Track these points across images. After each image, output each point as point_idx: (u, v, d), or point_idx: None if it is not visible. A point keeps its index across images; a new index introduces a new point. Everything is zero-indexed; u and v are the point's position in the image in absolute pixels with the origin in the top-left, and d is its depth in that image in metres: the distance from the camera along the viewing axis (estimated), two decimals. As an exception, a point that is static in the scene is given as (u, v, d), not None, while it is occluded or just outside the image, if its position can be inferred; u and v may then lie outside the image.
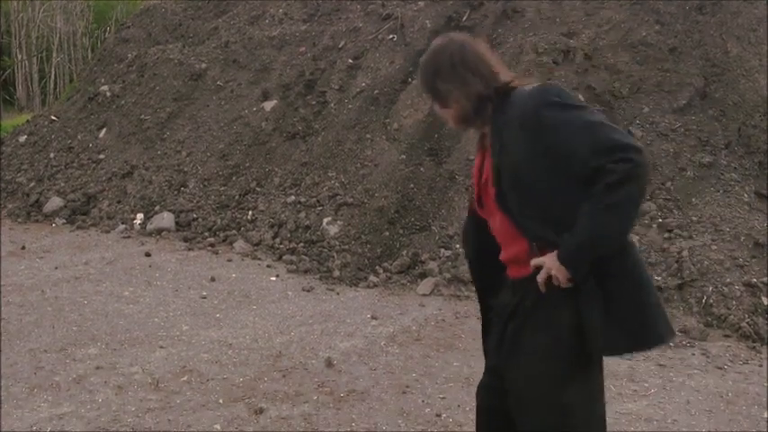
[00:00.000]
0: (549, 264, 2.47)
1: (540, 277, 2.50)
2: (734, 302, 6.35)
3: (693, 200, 7.62)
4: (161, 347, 5.65)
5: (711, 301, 6.40)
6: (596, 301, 2.47)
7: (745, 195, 7.67)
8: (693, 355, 5.68)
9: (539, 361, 2.55)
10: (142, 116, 11.44)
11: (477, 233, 2.84)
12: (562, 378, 2.54)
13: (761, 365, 5.53)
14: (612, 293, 2.48)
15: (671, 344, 5.84)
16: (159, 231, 9.24)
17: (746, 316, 6.21)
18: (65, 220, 10.06)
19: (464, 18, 10.52)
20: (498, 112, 2.58)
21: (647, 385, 5.02)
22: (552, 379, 2.54)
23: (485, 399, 2.86)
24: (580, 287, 2.47)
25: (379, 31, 10.66)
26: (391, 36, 10.50)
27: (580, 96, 8.59)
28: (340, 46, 10.81)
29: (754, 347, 5.84)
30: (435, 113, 2.87)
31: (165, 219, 9.39)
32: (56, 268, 7.85)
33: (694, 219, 7.37)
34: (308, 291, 7.18)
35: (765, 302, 6.35)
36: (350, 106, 9.78)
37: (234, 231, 8.93)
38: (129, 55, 13.15)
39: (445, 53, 2.69)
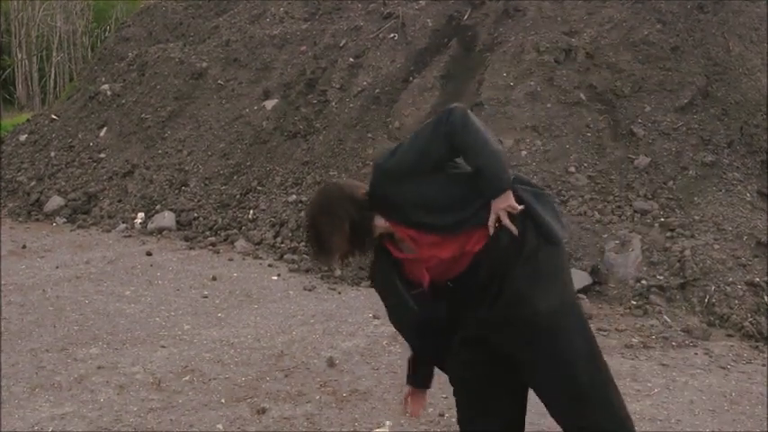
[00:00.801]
0: (496, 206, 2.74)
1: (504, 220, 2.73)
2: (736, 302, 6.34)
3: (696, 199, 7.61)
4: (162, 347, 5.64)
5: (714, 300, 6.39)
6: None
7: (748, 195, 7.66)
8: (696, 354, 5.66)
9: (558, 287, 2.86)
10: (143, 115, 11.42)
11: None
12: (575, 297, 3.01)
13: (764, 365, 5.51)
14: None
15: (674, 343, 5.84)
16: (160, 230, 9.23)
17: (749, 315, 6.20)
18: (65, 220, 10.05)
19: (465, 17, 10.51)
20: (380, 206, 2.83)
21: (650, 385, 5.00)
22: (573, 300, 2.94)
23: (472, 369, 2.98)
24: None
25: (380, 30, 10.65)
26: (392, 35, 10.49)
27: (582, 96, 8.60)
28: (341, 45, 10.80)
29: (756, 347, 5.83)
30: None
31: (166, 218, 9.38)
32: (57, 267, 7.84)
33: (696, 218, 7.35)
34: (310, 290, 7.17)
35: (768, 302, 6.35)
36: (351, 105, 9.77)
37: (235, 230, 8.92)
38: (130, 54, 13.14)
39: (317, 207, 2.90)
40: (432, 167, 2.78)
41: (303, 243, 8.25)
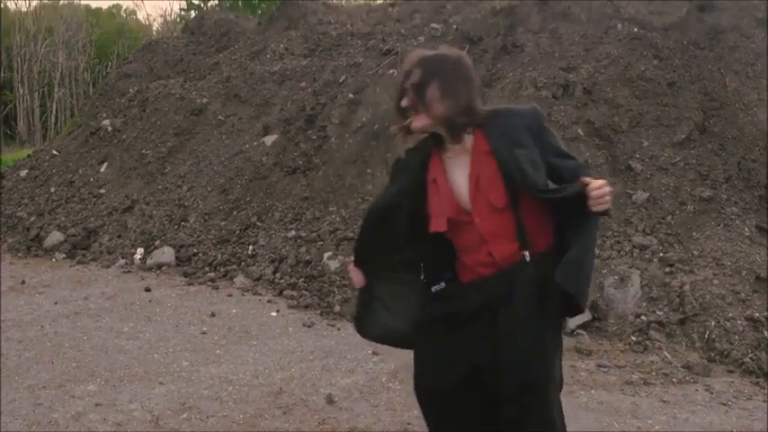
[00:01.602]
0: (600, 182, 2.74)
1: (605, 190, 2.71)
2: (736, 337, 6.32)
3: (694, 234, 7.62)
4: (161, 384, 5.61)
5: (714, 336, 6.37)
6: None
7: (746, 229, 7.67)
8: (697, 391, 5.63)
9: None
10: (143, 150, 11.48)
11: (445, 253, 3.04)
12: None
13: (765, 401, 5.48)
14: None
15: (674, 379, 5.81)
16: (159, 266, 9.22)
17: (749, 351, 6.17)
18: (65, 255, 10.05)
19: (464, 53, 10.59)
20: (491, 122, 2.89)
21: (650, 422, 4.97)
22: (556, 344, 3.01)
23: (462, 393, 2.97)
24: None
25: (379, 66, 10.74)
26: (391, 71, 10.57)
27: (580, 131, 8.64)
28: (340, 81, 10.88)
29: (757, 383, 5.80)
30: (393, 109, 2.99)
31: (166, 253, 9.37)
32: (55, 303, 7.82)
33: (695, 253, 7.36)
34: (309, 326, 7.15)
35: (768, 337, 6.32)
36: (350, 141, 9.82)
37: (234, 266, 8.91)
38: (131, 90, 13.24)
39: (452, 60, 2.93)
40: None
41: (302, 279, 8.25)
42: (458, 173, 2.93)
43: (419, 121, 2.89)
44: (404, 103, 2.89)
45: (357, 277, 3.15)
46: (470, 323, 2.93)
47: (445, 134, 2.91)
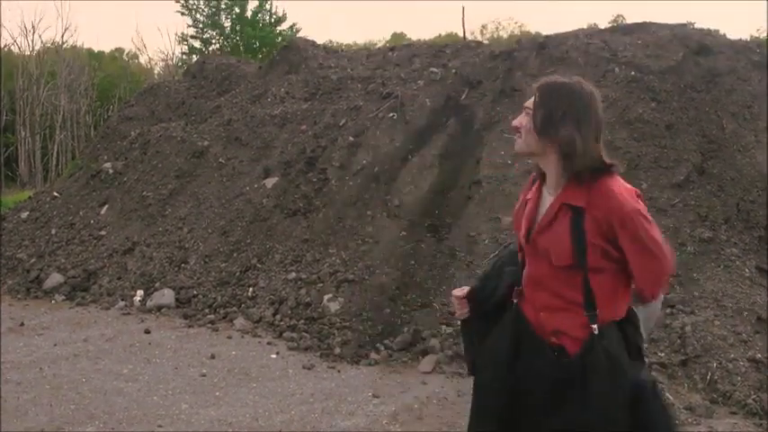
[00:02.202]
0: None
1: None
2: (739, 378, 6.29)
3: (694, 275, 7.62)
4: (160, 426, 5.58)
5: (716, 377, 6.34)
6: None
7: (746, 270, 7.68)
8: (700, 433, 5.60)
9: None
10: (144, 193, 11.52)
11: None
12: None
13: (769, 444, 5.45)
14: None
15: (677, 421, 5.77)
16: (159, 308, 9.20)
17: (752, 392, 6.14)
18: (64, 297, 10.02)
19: (463, 97, 10.70)
20: (602, 182, 2.74)
21: (654, 465, 4.92)
22: None
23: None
24: None
25: (379, 110, 10.82)
26: (391, 114, 10.66)
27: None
28: (341, 124, 10.96)
29: (761, 425, 5.77)
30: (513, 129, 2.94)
31: (166, 295, 9.36)
32: (54, 345, 7.79)
33: (696, 294, 7.36)
34: (309, 368, 7.11)
35: (771, 379, 6.29)
36: (351, 183, 9.87)
37: (234, 308, 8.89)
38: (133, 132, 13.33)
39: (587, 94, 2.82)
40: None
41: (302, 321, 8.23)
42: (544, 207, 2.89)
43: (518, 145, 2.91)
44: (515, 122, 2.91)
45: (463, 308, 3.14)
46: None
47: (548, 167, 2.86)
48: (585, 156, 2.73)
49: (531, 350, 2.85)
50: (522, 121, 2.86)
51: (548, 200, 2.86)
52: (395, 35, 47.73)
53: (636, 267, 2.74)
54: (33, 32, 51.39)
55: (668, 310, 7.12)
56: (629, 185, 2.79)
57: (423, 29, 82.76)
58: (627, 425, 2.72)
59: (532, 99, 2.84)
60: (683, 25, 11.54)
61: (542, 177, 2.92)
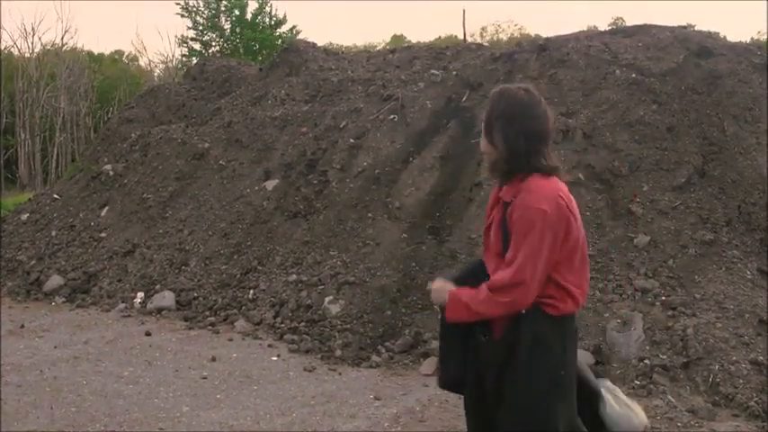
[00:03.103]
0: None
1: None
2: (741, 381, 6.28)
3: (696, 277, 7.61)
4: (161, 429, 5.56)
5: (718, 379, 6.33)
6: None
7: (748, 272, 7.67)
8: (702, 435, 5.59)
9: None
10: (144, 195, 11.51)
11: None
12: None
13: (771, 446, 5.43)
14: None
15: (679, 424, 5.76)
16: (160, 310, 9.18)
17: (755, 395, 6.13)
18: (64, 299, 10.01)
19: (463, 99, 10.69)
20: (530, 180, 3.12)
21: (656, 467, 4.92)
22: None
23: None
24: None
25: (380, 112, 10.82)
26: (392, 116, 10.65)
27: (580, 176, 8.67)
28: (341, 126, 10.96)
29: (763, 427, 5.75)
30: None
31: (166, 298, 9.35)
32: (55, 347, 7.78)
33: (698, 296, 7.34)
34: (310, 371, 7.10)
35: (773, 381, 6.28)
36: (351, 185, 9.85)
37: (235, 310, 8.88)
38: (133, 134, 13.31)
39: (526, 100, 3.15)
40: None
41: (303, 324, 8.21)
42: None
43: (486, 161, 3.31)
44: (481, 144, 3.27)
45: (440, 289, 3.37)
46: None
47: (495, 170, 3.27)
48: (513, 159, 3.10)
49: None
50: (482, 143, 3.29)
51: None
52: (395, 37, 47.76)
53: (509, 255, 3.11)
54: (33, 35, 51.31)
55: (670, 313, 7.11)
56: (558, 186, 3.12)
57: (422, 31, 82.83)
58: (556, 407, 3.10)
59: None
60: (684, 27, 11.53)
61: None
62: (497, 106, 3.15)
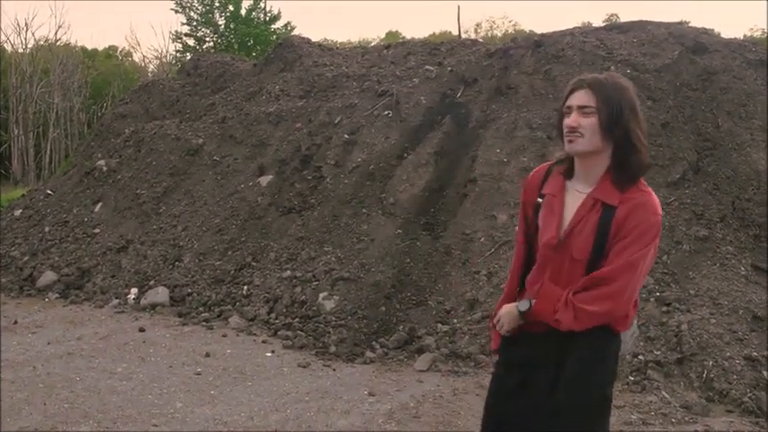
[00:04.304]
0: None
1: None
2: (735, 377, 6.29)
3: (690, 273, 7.62)
4: (154, 426, 5.54)
5: (712, 375, 6.34)
6: None
7: (742, 268, 7.68)
8: (697, 431, 5.59)
9: None
10: (138, 191, 11.47)
11: None
12: None
13: (765, 442, 5.44)
14: None
15: (673, 419, 5.77)
16: (153, 306, 9.15)
17: (748, 391, 6.15)
18: (58, 295, 9.97)
19: (458, 95, 10.68)
20: (640, 188, 2.88)
21: (650, 463, 4.92)
22: None
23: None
24: None
25: (374, 108, 10.80)
26: (387, 112, 10.63)
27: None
28: (336, 122, 10.93)
29: (757, 422, 5.77)
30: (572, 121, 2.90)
31: (160, 293, 9.32)
32: (48, 344, 7.75)
33: (692, 292, 7.35)
34: (304, 367, 7.08)
35: (767, 376, 6.29)
36: (346, 181, 9.84)
37: (229, 306, 8.86)
38: (127, 130, 13.26)
39: (634, 91, 2.98)
40: None
41: (297, 319, 8.20)
42: (572, 201, 2.96)
43: (581, 145, 2.88)
44: (571, 122, 2.88)
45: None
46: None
47: (593, 165, 2.92)
48: (642, 152, 2.86)
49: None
50: (579, 120, 2.87)
51: (576, 196, 2.95)
52: (390, 33, 47.68)
53: (618, 254, 2.85)
54: (27, 30, 51.02)
55: (664, 309, 7.12)
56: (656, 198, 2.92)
57: (417, 27, 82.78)
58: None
59: (584, 97, 2.90)
60: (679, 24, 11.54)
61: (567, 173, 3.01)
62: (623, 96, 2.89)
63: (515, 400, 3.01)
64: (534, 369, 2.98)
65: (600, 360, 2.91)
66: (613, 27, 11.94)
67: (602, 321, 2.85)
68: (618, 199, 2.83)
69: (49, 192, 12.83)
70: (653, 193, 2.88)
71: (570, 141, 2.89)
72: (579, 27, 12.13)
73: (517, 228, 3.36)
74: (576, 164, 2.98)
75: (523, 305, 2.98)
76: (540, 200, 3.05)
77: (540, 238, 3.02)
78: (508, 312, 3.03)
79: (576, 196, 2.94)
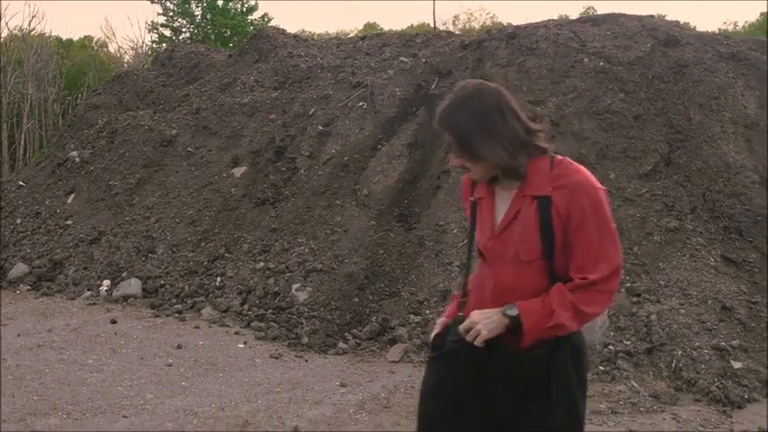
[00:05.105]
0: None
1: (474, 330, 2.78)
2: (703, 366, 6.36)
3: (661, 264, 7.69)
4: (124, 417, 5.52)
5: (681, 365, 6.41)
6: None
7: (712, 259, 7.75)
8: (665, 420, 5.65)
9: None
10: (111, 182, 11.38)
11: None
12: None
13: (732, 430, 5.51)
14: None
15: (642, 409, 5.83)
16: (126, 298, 9.10)
17: (716, 380, 6.22)
18: (29, 287, 9.88)
19: (432, 86, 10.68)
20: (549, 168, 2.77)
21: (618, 452, 4.97)
22: None
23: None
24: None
25: (349, 99, 10.78)
26: (361, 103, 10.62)
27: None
28: (310, 113, 10.91)
29: (724, 411, 5.84)
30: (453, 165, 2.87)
31: (132, 285, 9.26)
32: (18, 336, 7.68)
33: (662, 283, 7.42)
34: (277, 358, 7.08)
35: (734, 366, 6.37)
36: (320, 172, 9.82)
37: (202, 298, 8.83)
38: (100, 121, 13.15)
39: (484, 99, 2.75)
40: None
41: (270, 311, 8.19)
42: (501, 203, 2.86)
43: (476, 174, 2.84)
44: (453, 162, 2.85)
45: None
46: None
47: (502, 175, 2.83)
48: (515, 159, 2.73)
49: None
50: (458, 159, 2.83)
51: (505, 197, 2.85)
52: (368, 25, 47.57)
53: (591, 248, 2.71)
54: (0, 20, 50.51)
55: (634, 299, 7.19)
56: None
57: (395, 19, 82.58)
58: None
59: (446, 137, 2.82)
60: (652, 17, 11.59)
61: (491, 179, 2.89)
62: (465, 122, 2.74)
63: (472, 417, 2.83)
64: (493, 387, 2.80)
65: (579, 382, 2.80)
66: (587, 20, 11.98)
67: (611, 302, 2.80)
68: (548, 187, 2.74)
69: (21, 183, 12.71)
70: (581, 168, 2.80)
71: (470, 176, 2.93)
72: (553, 19, 12.16)
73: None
74: None
75: (512, 310, 2.70)
76: (473, 199, 2.98)
77: (477, 243, 2.95)
78: (489, 319, 2.72)
79: (504, 197, 2.84)
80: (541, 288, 2.72)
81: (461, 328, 2.78)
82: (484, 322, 2.71)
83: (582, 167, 2.81)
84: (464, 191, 3.07)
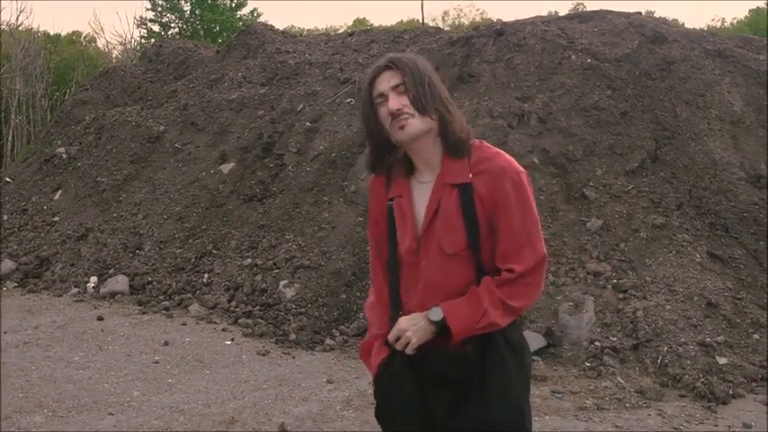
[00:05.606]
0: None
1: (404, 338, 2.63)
2: (688, 362, 6.39)
3: (647, 260, 7.71)
4: (110, 414, 5.51)
5: (666, 361, 6.43)
6: None
7: (698, 256, 7.78)
8: (650, 416, 5.68)
9: None
10: (98, 178, 11.34)
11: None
12: None
13: (716, 426, 5.54)
14: None
15: (627, 404, 5.85)
16: (113, 295, 9.07)
17: (701, 376, 6.25)
18: (16, 284, 9.85)
19: (421, 82, 10.65)
20: (480, 148, 2.65)
21: (602, 447, 4.99)
22: None
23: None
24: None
25: (336, 95, 10.77)
26: (349, 100, 10.61)
27: (535, 160, 8.72)
28: (298, 109, 10.89)
29: (709, 407, 5.86)
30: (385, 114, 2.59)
31: (120, 282, 9.23)
32: (4, 333, 7.65)
33: (648, 279, 7.45)
34: (264, 355, 7.08)
35: (719, 362, 6.40)
36: (307, 169, 9.81)
37: (189, 294, 8.81)
38: (87, 117, 13.10)
39: (426, 62, 2.69)
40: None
41: (257, 307, 8.18)
42: (420, 197, 2.68)
43: (411, 127, 2.57)
44: (392, 105, 2.56)
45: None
46: None
47: (427, 149, 2.65)
48: (461, 125, 2.62)
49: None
50: (401, 100, 2.57)
51: (424, 189, 2.69)
52: (357, 21, 47.53)
53: (515, 234, 2.60)
54: (-13, 14, 50.22)
55: (620, 295, 7.21)
56: None
57: (385, 15, 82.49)
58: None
59: (393, 76, 2.60)
60: (639, 13, 11.62)
61: (407, 172, 2.73)
62: (426, 73, 2.60)
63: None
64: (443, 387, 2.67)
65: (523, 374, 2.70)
66: (575, 16, 12.01)
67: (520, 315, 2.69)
68: (468, 173, 2.60)
69: (8, 179, 12.66)
70: (501, 151, 2.66)
71: (402, 127, 2.57)
72: (541, 16, 12.17)
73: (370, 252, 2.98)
74: (412, 156, 2.69)
75: (435, 314, 2.57)
76: (390, 203, 2.75)
77: (400, 247, 2.72)
78: (416, 326, 2.59)
79: (423, 189, 2.67)
80: (469, 281, 2.60)
81: (389, 337, 2.65)
82: (412, 329, 2.58)
83: (501, 151, 2.67)
84: (376, 193, 2.84)
